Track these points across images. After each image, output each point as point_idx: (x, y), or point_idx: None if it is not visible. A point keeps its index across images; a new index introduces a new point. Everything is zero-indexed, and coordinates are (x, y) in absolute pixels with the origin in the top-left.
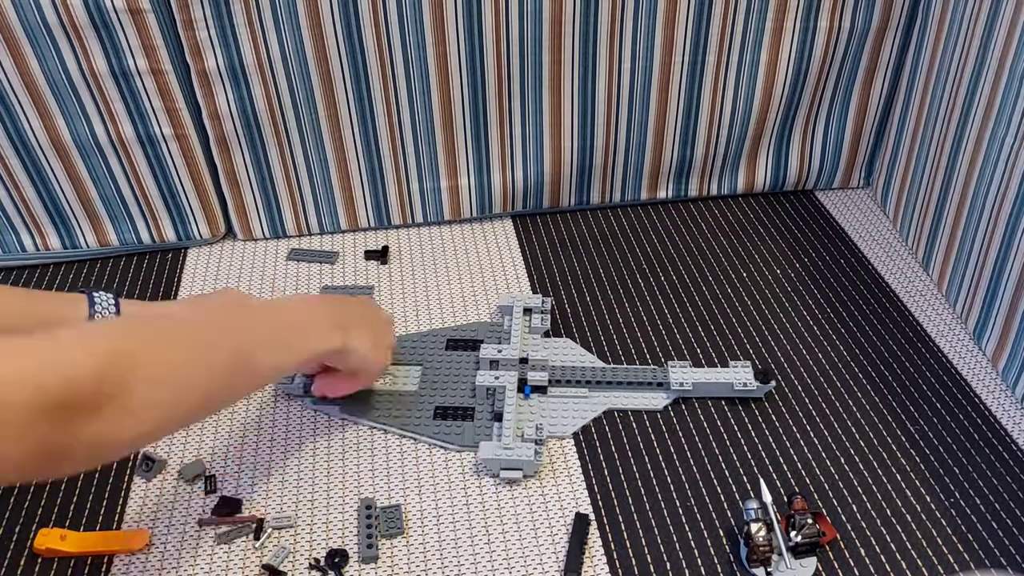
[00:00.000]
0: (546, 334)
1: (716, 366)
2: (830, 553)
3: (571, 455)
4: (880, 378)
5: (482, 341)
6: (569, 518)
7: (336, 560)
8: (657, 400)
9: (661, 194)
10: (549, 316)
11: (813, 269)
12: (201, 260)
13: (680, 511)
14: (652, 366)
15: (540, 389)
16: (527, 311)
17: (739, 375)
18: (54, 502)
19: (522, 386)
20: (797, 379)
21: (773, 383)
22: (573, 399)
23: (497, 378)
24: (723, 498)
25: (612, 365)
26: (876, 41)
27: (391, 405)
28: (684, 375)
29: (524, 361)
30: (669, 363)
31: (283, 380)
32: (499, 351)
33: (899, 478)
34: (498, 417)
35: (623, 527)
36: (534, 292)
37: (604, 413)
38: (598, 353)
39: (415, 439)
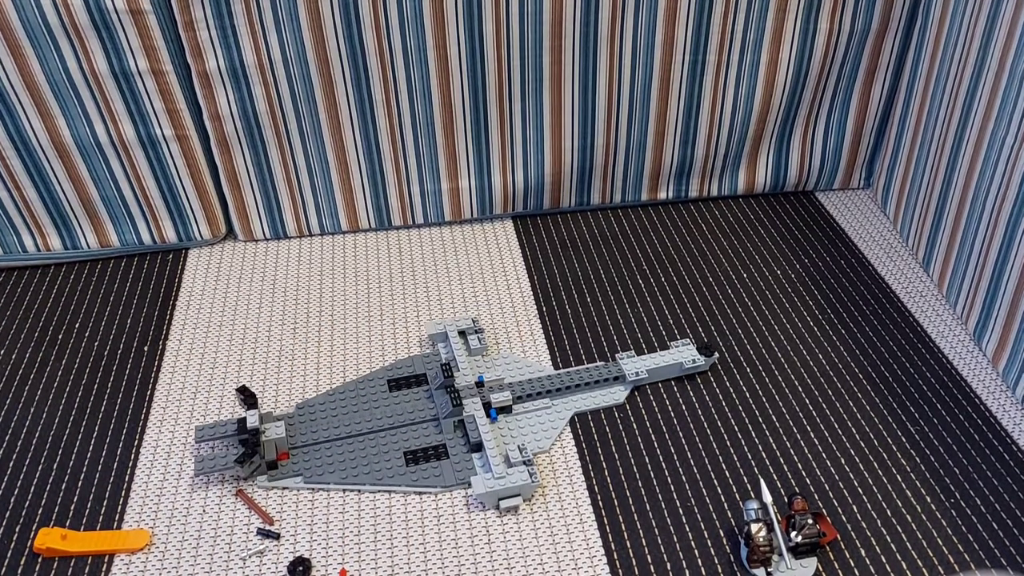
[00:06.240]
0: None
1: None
2: (830, 553)
3: (571, 455)
4: (880, 378)
5: (425, 375)
6: (570, 518)
7: (299, 568)
8: (617, 394)
9: (662, 195)
10: (484, 335)
11: (813, 269)
12: (202, 261)
13: (680, 511)
14: (602, 363)
15: (505, 409)
16: (462, 334)
17: (684, 354)
18: (54, 502)
19: (487, 410)
20: (797, 379)
21: (716, 355)
22: (536, 412)
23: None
24: (723, 498)
25: (564, 369)
26: (876, 42)
27: (356, 461)
28: (636, 364)
29: (480, 384)
30: (618, 355)
31: (224, 466)
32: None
33: (899, 478)
34: (476, 448)
35: (623, 527)
36: (535, 293)
37: (606, 414)
38: (598, 354)
39: (390, 491)
